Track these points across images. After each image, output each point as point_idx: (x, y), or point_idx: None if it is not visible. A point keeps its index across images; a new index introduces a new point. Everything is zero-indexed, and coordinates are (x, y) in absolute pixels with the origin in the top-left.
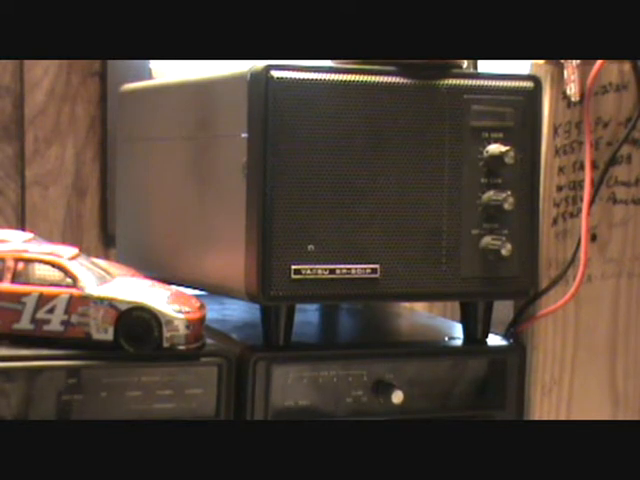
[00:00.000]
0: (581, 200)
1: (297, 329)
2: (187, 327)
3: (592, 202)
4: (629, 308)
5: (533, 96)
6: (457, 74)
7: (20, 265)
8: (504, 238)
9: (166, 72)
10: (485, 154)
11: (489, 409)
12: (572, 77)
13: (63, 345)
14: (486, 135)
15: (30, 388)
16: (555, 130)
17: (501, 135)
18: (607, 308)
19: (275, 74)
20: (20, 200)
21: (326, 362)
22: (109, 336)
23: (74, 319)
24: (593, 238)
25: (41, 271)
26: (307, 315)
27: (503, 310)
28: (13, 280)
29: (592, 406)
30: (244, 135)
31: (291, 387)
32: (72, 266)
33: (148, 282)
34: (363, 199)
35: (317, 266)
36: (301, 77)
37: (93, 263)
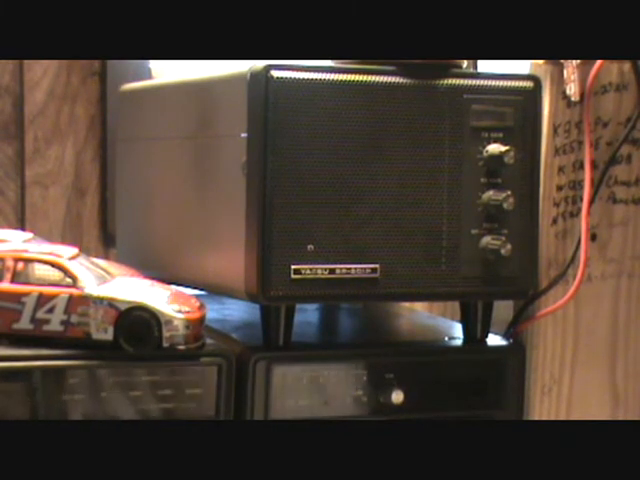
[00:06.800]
0: (581, 200)
1: (297, 329)
2: (187, 327)
3: (592, 202)
4: (629, 308)
5: (533, 96)
6: (457, 74)
7: (20, 265)
8: (504, 238)
9: (166, 72)
10: (485, 154)
11: (489, 409)
12: (572, 77)
13: (63, 345)
14: (486, 135)
15: (30, 388)
16: (555, 130)
17: (501, 135)
18: (607, 308)
19: (275, 74)
20: (20, 200)
21: (326, 362)
22: (109, 336)
23: (74, 319)
24: (593, 238)
25: (41, 271)
26: (307, 315)
27: (503, 310)
28: (13, 280)
29: (592, 406)
30: (244, 135)
31: (291, 387)
32: (72, 266)
33: (148, 282)
34: (363, 199)
35: (317, 266)
36: (301, 77)
37: (93, 263)
